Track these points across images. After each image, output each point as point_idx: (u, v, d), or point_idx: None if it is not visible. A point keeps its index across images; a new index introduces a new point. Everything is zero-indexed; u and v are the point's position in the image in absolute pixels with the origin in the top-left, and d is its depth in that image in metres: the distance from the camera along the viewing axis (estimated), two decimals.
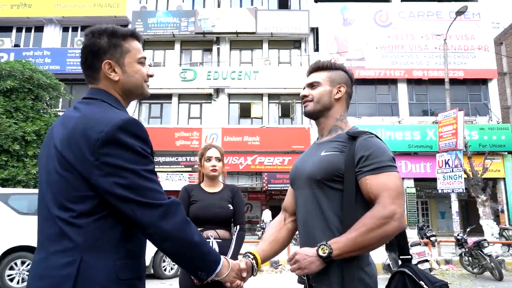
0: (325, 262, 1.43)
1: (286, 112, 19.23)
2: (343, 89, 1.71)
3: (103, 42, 1.35)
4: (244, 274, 1.58)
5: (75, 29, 19.85)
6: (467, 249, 9.01)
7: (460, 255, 9.33)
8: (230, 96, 19.19)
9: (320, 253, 1.42)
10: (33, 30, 19.95)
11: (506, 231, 14.46)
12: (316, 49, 19.30)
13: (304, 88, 1.77)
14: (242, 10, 19.49)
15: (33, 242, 6.83)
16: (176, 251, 1.31)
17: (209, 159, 2.82)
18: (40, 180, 1.34)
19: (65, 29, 19.91)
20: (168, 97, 18.92)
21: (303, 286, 1.63)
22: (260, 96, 19.19)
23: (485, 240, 8.87)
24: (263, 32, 19.10)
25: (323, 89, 1.70)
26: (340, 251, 1.41)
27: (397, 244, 1.58)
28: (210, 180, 2.85)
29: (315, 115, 1.73)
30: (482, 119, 18.45)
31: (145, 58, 1.45)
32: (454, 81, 17.24)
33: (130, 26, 19.19)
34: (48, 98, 12.41)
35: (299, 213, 1.67)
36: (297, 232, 1.78)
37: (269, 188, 18.02)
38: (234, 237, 2.73)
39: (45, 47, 19.18)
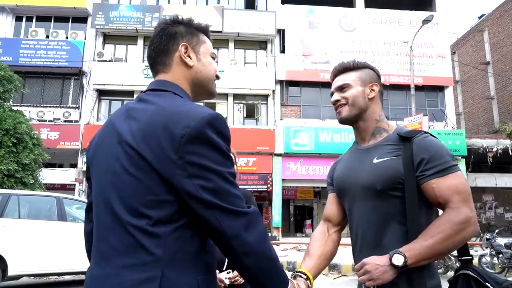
0: (398, 271, 1.35)
1: (251, 113, 19.14)
2: (376, 87, 1.62)
3: (181, 28, 1.28)
4: None
5: (29, 19, 18.65)
6: None
7: None
8: None
9: (395, 262, 1.33)
10: None
11: None
12: (282, 51, 19.32)
13: (332, 94, 1.65)
14: (209, 8, 19.17)
15: None
16: (256, 267, 1.11)
17: None
18: (101, 181, 1.14)
19: (19, 18, 18.65)
20: (130, 94, 18.16)
21: None
22: (225, 96, 18.93)
23: None
24: (229, 32, 18.88)
25: (356, 90, 1.59)
26: (416, 259, 1.33)
27: None
28: None
29: (352, 120, 1.61)
30: (439, 124, 19.28)
31: (215, 55, 1.35)
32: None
33: (90, 19, 18.39)
34: (2, 91, 11.52)
35: (356, 227, 1.58)
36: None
37: None
38: None
39: None
